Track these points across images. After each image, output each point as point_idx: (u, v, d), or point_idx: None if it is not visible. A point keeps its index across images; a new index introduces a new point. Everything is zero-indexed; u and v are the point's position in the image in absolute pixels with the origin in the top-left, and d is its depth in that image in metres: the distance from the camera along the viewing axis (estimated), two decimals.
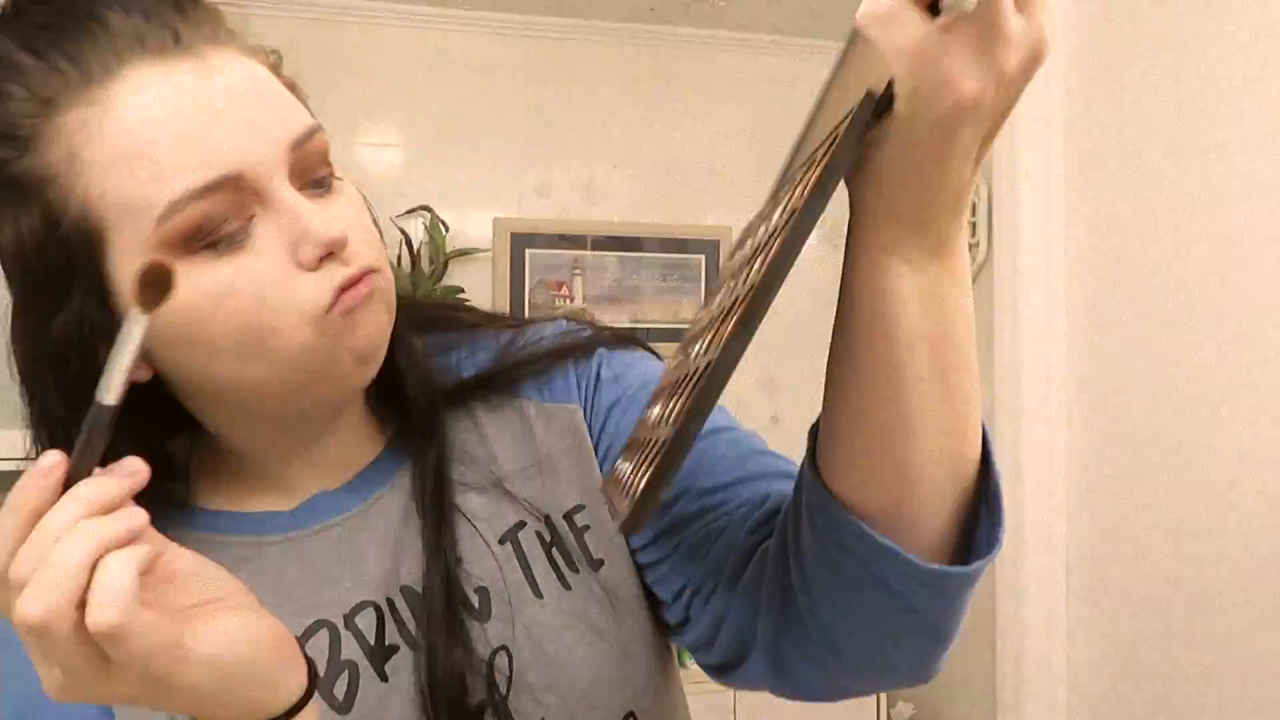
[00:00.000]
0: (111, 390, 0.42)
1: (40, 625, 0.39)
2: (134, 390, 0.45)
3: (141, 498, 0.43)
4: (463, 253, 2.39)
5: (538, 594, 0.57)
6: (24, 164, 0.48)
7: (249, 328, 0.49)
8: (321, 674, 0.53)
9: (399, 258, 2.34)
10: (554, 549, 0.59)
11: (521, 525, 0.59)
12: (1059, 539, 1.84)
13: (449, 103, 2.45)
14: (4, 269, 0.52)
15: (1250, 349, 1.46)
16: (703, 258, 2.59)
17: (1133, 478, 1.68)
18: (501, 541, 0.58)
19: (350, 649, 0.55)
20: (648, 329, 2.56)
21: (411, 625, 0.55)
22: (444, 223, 2.38)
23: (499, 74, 2.48)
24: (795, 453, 0.89)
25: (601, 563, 0.59)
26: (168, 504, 0.55)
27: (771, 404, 2.60)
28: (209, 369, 0.51)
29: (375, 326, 0.53)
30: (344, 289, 0.50)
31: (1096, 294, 1.77)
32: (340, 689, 0.54)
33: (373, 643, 0.55)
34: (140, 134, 0.47)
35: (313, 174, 0.52)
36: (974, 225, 2.08)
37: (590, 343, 0.64)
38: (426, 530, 0.57)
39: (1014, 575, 1.87)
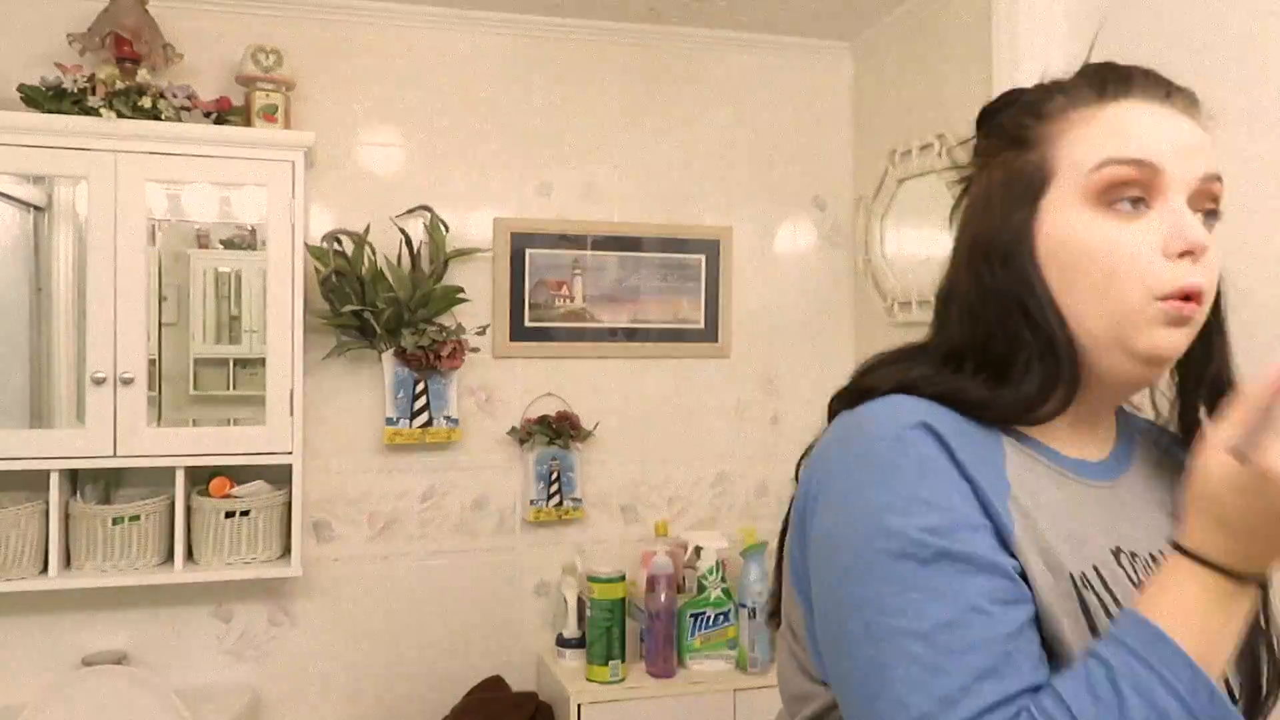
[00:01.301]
0: None
1: None
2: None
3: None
4: (463, 252, 2.39)
5: None
6: (1036, 129, 0.77)
7: (1106, 276, 0.71)
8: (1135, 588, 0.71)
9: (399, 257, 2.34)
10: None
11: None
12: None
13: (449, 103, 2.45)
14: (982, 197, 0.79)
15: (1251, 348, 1.46)
16: (703, 258, 2.59)
17: None
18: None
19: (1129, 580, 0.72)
20: (647, 329, 2.56)
21: None
22: (444, 223, 2.38)
23: (499, 74, 2.48)
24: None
25: None
26: (1015, 422, 0.75)
27: (771, 404, 2.60)
28: (1070, 295, 0.73)
29: (1173, 344, 0.72)
30: (1185, 297, 0.70)
31: None
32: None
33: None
34: (1115, 123, 0.73)
35: (1203, 205, 0.73)
36: None
37: None
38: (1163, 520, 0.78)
39: None
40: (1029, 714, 0.60)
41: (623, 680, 2.21)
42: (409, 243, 2.35)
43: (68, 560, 2.11)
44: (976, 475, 0.68)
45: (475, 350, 2.41)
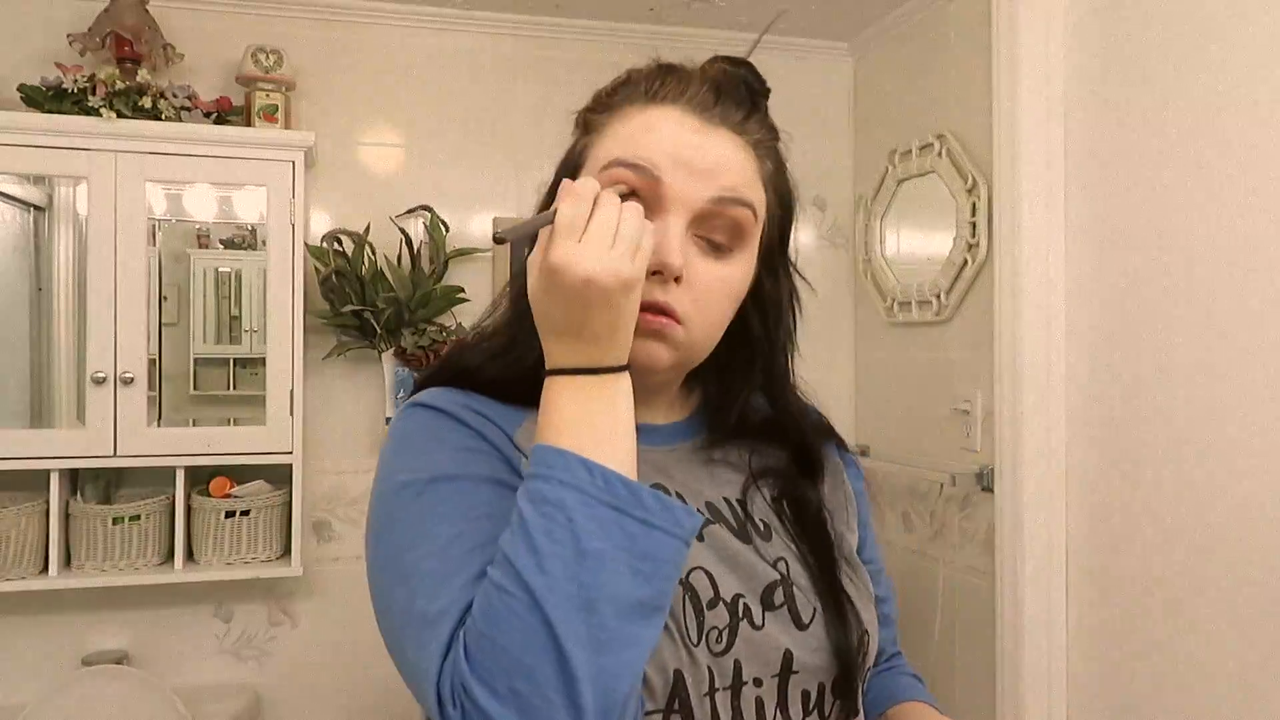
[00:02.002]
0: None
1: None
2: None
3: None
4: (463, 252, 2.39)
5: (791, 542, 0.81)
6: (595, 117, 0.79)
7: None
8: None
9: (399, 257, 2.34)
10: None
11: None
12: (1059, 539, 1.84)
13: (449, 103, 2.45)
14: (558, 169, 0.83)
15: (1250, 349, 1.46)
16: None
17: (1132, 478, 1.68)
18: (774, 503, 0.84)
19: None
20: None
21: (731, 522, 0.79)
22: (444, 223, 2.38)
23: (499, 74, 2.48)
24: None
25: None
26: None
27: None
28: None
29: (649, 356, 0.72)
30: (646, 310, 0.69)
31: (1096, 293, 1.76)
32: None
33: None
34: (639, 126, 0.74)
35: (711, 232, 0.73)
36: (974, 225, 2.08)
37: (839, 438, 0.92)
38: (737, 476, 0.82)
39: (1014, 575, 1.87)
40: (482, 584, 0.61)
41: None
42: (409, 243, 2.35)
43: (68, 560, 2.11)
44: (480, 428, 0.73)
45: None
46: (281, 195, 2.14)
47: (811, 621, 0.76)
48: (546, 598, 0.57)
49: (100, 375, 2.03)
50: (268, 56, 2.20)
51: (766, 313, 0.83)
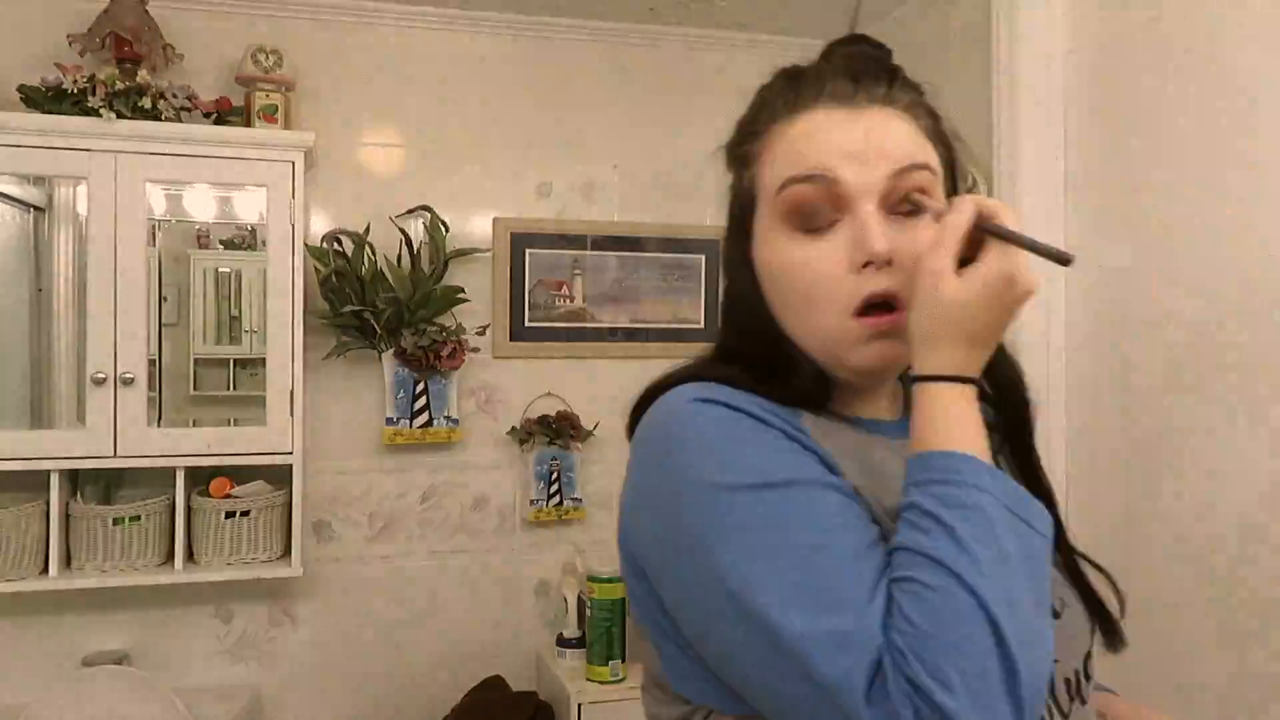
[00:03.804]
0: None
1: None
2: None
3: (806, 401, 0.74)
4: (463, 252, 2.39)
5: None
6: (748, 148, 0.78)
7: (803, 299, 0.73)
8: None
9: (399, 257, 2.34)
10: None
11: None
12: None
13: (449, 102, 2.45)
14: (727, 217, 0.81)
15: (1251, 350, 1.46)
16: (703, 258, 2.59)
17: (1132, 479, 1.68)
18: None
19: None
20: (647, 329, 2.56)
21: None
22: (444, 223, 2.38)
23: (499, 74, 2.48)
24: None
25: None
26: (818, 408, 0.75)
27: None
28: (784, 316, 0.75)
29: (885, 356, 0.72)
30: (874, 308, 0.70)
31: (1097, 294, 1.76)
32: None
33: None
34: (795, 140, 0.74)
35: (900, 205, 0.72)
36: None
37: None
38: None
39: None
40: (901, 587, 0.61)
41: (623, 680, 2.21)
42: (409, 243, 2.35)
43: (68, 561, 2.11)
44: (776, 422, 0.69)
45: (475, 350, 2.41)
46: (281, 195, 2.14)
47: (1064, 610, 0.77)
48: (988, 598, 0.59)
49: (100, 376, 2.03)
50: (268, 56, 2.20)
51: None
